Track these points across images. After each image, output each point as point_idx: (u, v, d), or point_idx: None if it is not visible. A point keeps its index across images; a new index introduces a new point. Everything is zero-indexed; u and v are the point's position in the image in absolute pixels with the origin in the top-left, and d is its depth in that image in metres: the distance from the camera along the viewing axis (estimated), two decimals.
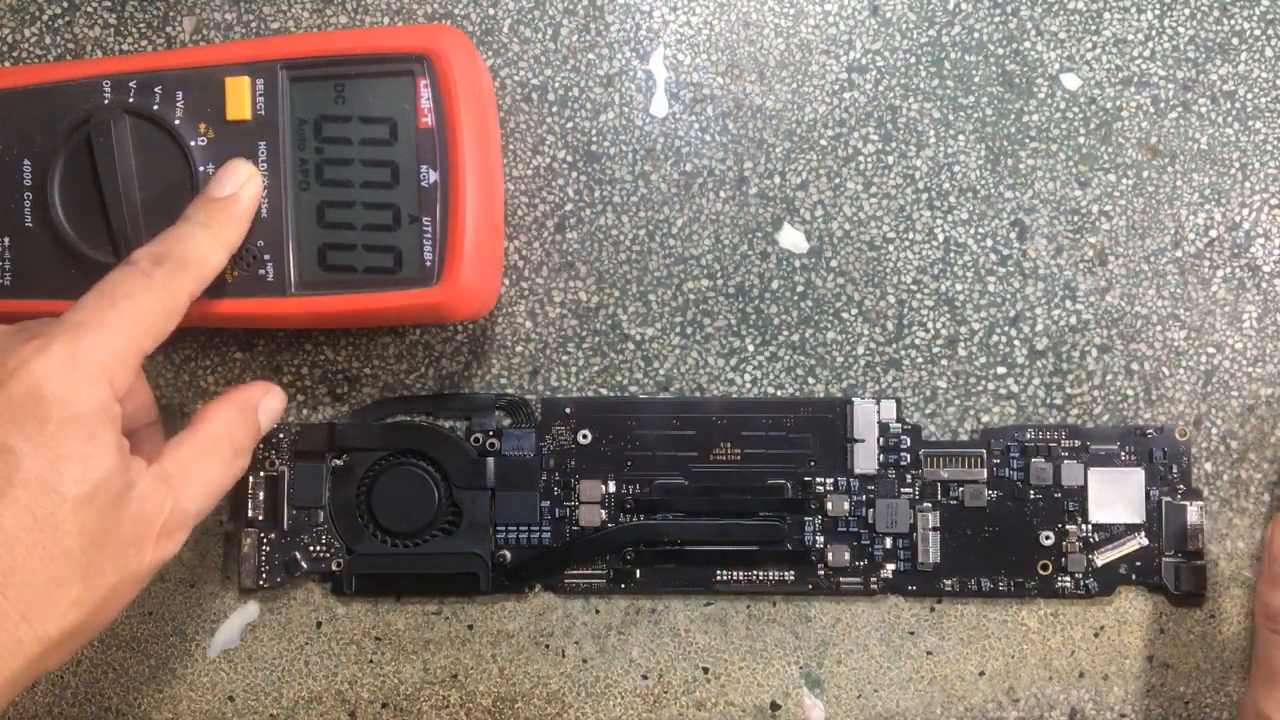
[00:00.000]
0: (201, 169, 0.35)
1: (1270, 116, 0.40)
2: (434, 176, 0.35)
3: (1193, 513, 0.39)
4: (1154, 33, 0.40)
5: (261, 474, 0.39)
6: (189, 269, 0.33)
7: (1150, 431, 0.39)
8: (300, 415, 0.40)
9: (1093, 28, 0.40)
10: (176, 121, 0.36)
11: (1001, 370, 0.40)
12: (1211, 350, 0.40)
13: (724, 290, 0.40)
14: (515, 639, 0.40)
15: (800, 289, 0.40)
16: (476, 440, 0.39)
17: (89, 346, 0.30)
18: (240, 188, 0.35)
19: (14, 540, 0.28)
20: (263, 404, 0.35)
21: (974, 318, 0.40)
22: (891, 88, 0.40)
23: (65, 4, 0.41)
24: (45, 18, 0.41)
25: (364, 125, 0.36)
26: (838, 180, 0.40)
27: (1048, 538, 0.39)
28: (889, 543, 0.39)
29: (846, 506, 0.39)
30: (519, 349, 0.40)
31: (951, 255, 0.40)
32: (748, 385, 0.40)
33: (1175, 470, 0.39)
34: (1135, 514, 0.39)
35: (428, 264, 0.36)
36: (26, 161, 0.36)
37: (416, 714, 0.40)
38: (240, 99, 0.36)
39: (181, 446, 0.32)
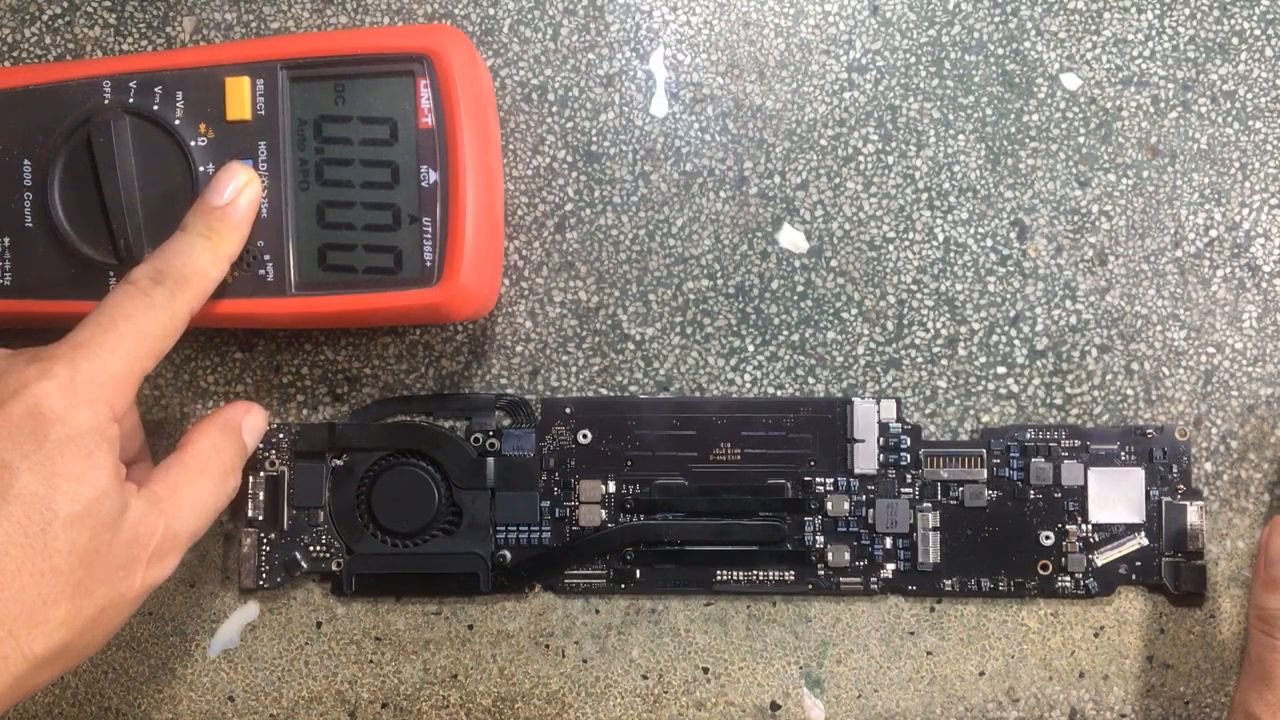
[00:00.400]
0: (201, 169, 0.35)
1: (1270, 116, 0.40)
2: (434, 176, 0.35)
3: (1193, 513, 0.39)
4: (1154, 33, 0.40)
5: (261, 474, 0.39)
6: (189, 286, 0.33)
7: (1150, 431, 0.39)
8: (300, 415, 0.40)
9: (1093, 28, 0.40)
10: (176, 122, 0.36)
11: (1001, 370, 0.40)
12: (1211, 350, 0.40)
13: (724, 290, 0.40)
14: (515, 639, 0.40)
15: (800, 289, 0.40)
16: (476, 440, 0.39)
17: (89, 369, 0.30)
18: (239, 194, 0.35)
19: (3, 556, 0.28)
20: (245, 423, 0.36)
21: (974, 318, 0.40)
22: (891, 88, 0.40)
23: (65, 4, 0.41)
24: (45, 18, 0.41)
25: (364, 125, 0.36)
26: (838, 180, 0.40)
27: (1048, 538, 0.39)
28: (889, 543, 0.39)
29: (846, 506, 0.39)
30: (519, 349, 0.40)
31: (951, 255, 0.40)
32: (748, 385, 0.40)
33: (1175, 470, 0.39)
34: (1135, 514, 0.39)
35: (428, 264, 0.36)
36: (26, 161, 0.36)
37: (416, 714, 0.40)
38: (240, 99, 0.36)
39: (171, 470, 0.33)
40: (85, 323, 0.31)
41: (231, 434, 0.35)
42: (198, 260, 0.33)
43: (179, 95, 0.36)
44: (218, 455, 0.34)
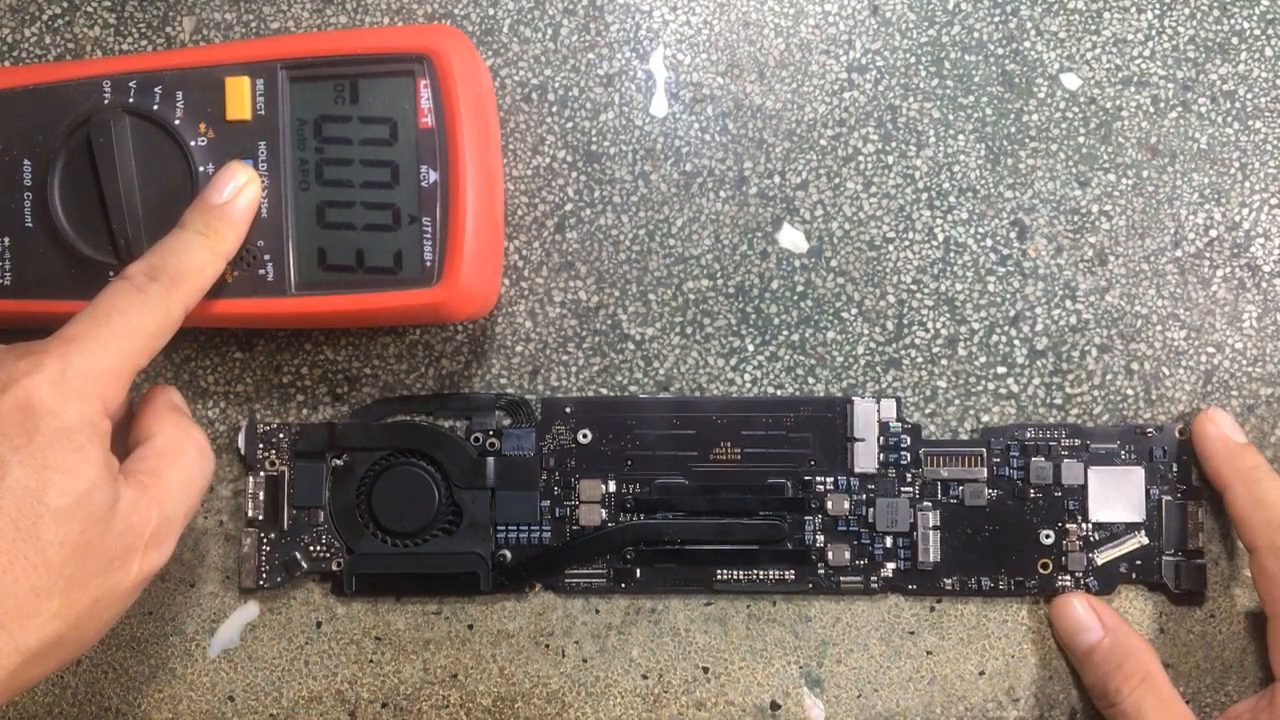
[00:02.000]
0: (201, 169, 0.35)
1: (1270, 116, 0.40)
2: (434, 176, 0.36)
3: (1193, 512, 0.39)
4: (1154, 32, 0.40)
5: (261, 474, 0.39)
6: (184, 282, 0.33)
7: (1150, 431, 0.39)
8: (300, 415, 0.40)
9: (1093, 28, 0.40)
10: (176, 121, 0.36)
11: (1001, 370, 0.40)
12: (1211, 350, 0.40)
13: (724, 290, 0.40)
14: (515, 639, 0.40)
15: (800, 289, 0.40)
16: (476, 440, 0.39)
17: (80, 363, 0.30)
18: (238, 193, 0.35)
19: None
20: (176, 398, 0.35)
21: (974, 318, 0.40)
22: (891, 88, 0.40)
23: (65, 4, 0.41)
24: (45, 18, 0.41)
25: (364, 125, 0.36)
26: (838, 180, 0.40)
27: (1048, 536, 0.39)
28: (889, 542, 0.39)
29: (846, 506, 0.39)
30: (519, 349, 0.40)
31: (951, 255, 0.40)
32: (748, 385, 0.40)
33: (1175, 469, 0.39)
34: (1135, 513, 0.39)
35: (428, 264, 0.36)
36: (26, 161, 0.36)
37: (416, 714, 0.40)
38: (240, 99, 0.36)
39: (149, 459, 0.32)
40: (78, 317, 0.31)
41: (184, 414, 0.34)
42: (194, 258, 0.33)
43: (179, 95, 0.36)
44: (188, 435, 0.33)
